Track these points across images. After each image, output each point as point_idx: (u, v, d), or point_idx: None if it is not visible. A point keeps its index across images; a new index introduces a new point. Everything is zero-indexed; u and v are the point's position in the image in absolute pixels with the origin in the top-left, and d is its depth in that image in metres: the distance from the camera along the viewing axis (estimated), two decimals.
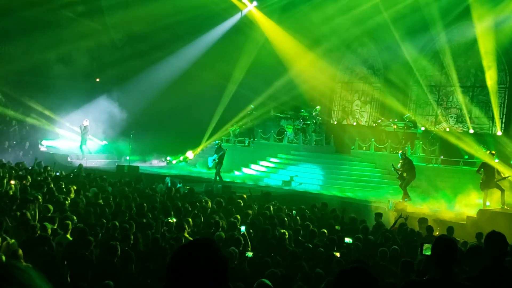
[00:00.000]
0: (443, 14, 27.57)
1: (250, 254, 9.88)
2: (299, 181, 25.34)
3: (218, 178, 24.80)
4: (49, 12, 28.59)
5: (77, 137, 29.61)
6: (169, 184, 20.85)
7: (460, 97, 28.50)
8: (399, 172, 21.12)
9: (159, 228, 12.08)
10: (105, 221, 11.95)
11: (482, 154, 22.97)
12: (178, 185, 20.90)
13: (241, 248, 10.24)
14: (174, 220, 12.74)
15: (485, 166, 19.53)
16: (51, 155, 27.71)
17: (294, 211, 15.83)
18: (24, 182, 16.68)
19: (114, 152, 29.95)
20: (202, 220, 13.75)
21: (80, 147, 28.86)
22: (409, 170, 21.10)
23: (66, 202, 13.98)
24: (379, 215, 16.08)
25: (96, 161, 28.45)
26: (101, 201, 15.05)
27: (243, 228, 11.57)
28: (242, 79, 31.27)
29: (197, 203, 15.48)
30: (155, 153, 31.00)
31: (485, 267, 5.62)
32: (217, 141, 25.89)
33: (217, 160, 25.10)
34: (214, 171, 25.15)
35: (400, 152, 22.42)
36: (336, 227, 13.85)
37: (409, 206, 19.33)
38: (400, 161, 21.40)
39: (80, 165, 23.44)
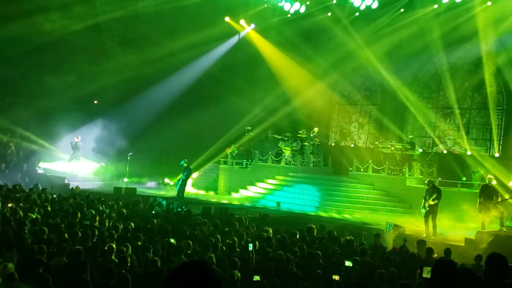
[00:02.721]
0: (441, 37, 27.77)
1: (257, 277, 9.73)
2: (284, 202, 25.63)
3: (181, 194, 24.94)
4: (48, 35, 28.70)
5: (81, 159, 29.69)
6: (164, 205, 20.83)
7: (457, 119, 28.61)
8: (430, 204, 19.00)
9: (157, 251, 12.00)
10: (97, 243, 11.88)
11: (483, 175, 22.96)
12: (171, 206, 20.88)
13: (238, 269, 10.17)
14: (174, 241, 12.68)
15: (484, 189, 19.38)
16: (48, 177, 27.62)
17: (298, 234, 15.71)
18: (21, 204, 16.60)
19: (109, 174, 29.89)
20: (200, 242, 13.67)
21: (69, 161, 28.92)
22: (438, 200, 19.21)
23: (63, 224, 13.91)
24: (377, 236, 16.06)
25: (93, 183, 28.39)
26: (97, 223, 14.97)
27: (250, 246, 11.58)
28: (239, 101, 31.33)
29: (195, 225, 15.42)
30: (152, 174, 30.95)
31: None
32: (183, 161, 25.79)
33: (184, 178, 25.16)
34: (180, 189, 25.26)
35: (427, 180, 20.36)
36: (336, 250, 13.78)
37: (407, 228, 19.20)
38: (427, 190, 19.52)
39: (77, 187, 23.38)
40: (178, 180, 25.54)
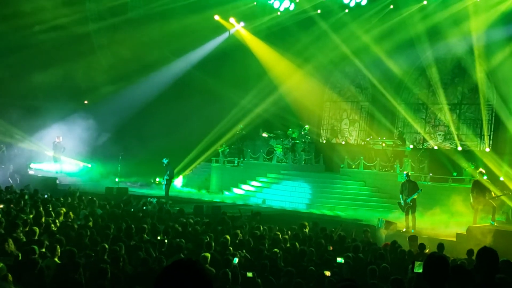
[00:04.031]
0: (430, 32, 27.83)
1: (250, 274, 9.74)
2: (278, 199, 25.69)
3: (166, 193, 25.12)
4: (35, 34, 28.53)
5: (66, 159, 29.55)
6: (155, 204, 20.85)
7: (447, 115, 28.70)
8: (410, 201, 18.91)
9: (149, 250, 11.98)
10: (89, 243, 11.86)
11: (472, 172, 23.01)
12: (164, 205, 20.90)
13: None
14: (166, 240, 12.67)
15: (476, 184, 19.40)
16: (40, 178, 27.50)
17: (290, 232, 15.74)
18: (12, 205, 16.53)
19: (97, 174, 29.81)
20: (192, 240, 13.66)
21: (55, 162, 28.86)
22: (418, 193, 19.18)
23: (55, 224, 13.86)
24: (366, 232, 16.12)
25: (84, 183, 28.27)
26: (90, 223, 14.94)
27: (236, 260, 10.74)
28: (230, 98, 31.28)
29: (187, 224, 15.42)
30: (141, 174, 30.84)
31: (476, 284, 5.61)
32: (164, 159, 25.75)
33: (168, 177, 25.25)
34: (167, 188, 25.43)
35: (405, 172, 20.30)
36: (329, 247, 13.80)
37: (399, 224, 19.27)
38: (403, 184, 19.44)
39: (69, 187, 23.31)
40: (163, 179, 25.52)
